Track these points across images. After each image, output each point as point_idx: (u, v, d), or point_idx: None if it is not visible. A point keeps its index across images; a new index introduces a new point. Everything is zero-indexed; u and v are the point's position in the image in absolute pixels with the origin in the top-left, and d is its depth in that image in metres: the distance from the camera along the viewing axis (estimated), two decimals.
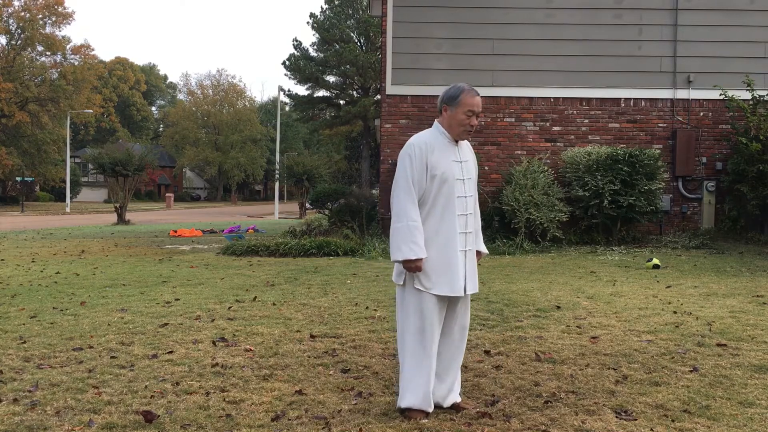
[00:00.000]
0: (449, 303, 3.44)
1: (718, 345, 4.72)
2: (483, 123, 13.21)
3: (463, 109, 3.38)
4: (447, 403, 3.46)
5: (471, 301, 6.32)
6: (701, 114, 13.24)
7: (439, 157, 3.39)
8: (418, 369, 3.33)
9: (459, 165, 3.44)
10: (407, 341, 3.37)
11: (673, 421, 3.28)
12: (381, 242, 11.39)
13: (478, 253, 3.59)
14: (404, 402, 3.34)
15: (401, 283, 3.42)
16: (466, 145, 3.58)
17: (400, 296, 3.46)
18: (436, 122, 3.51)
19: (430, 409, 3.35)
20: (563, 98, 13.22)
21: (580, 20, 13.17)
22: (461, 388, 3.61)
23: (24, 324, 5.47)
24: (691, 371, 4.09)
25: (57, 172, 47.93)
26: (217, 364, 4.26)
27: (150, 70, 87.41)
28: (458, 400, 3.50)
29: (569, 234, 12.12)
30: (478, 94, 3.44)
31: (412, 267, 3.30)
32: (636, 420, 3.29)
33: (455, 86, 3.46)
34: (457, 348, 3.49)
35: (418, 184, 3.34)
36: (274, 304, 6.39)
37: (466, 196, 3.43)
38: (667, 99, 13.20)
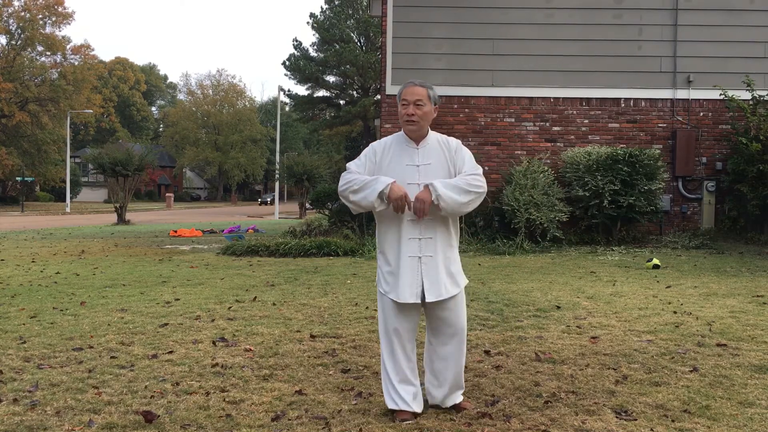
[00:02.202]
0: (428, 307, 3.39)
1: (718, 345, 4.71)
2: (483, 123, 13.22)
3: (401, 102, 3.38)
4: (447, 404, 3.46)
5: (471, 301, 6.34)
6: (701, 114, 13.24)
7: (392, 160, 3.38)
8: (385, 371, 3.38)
9: (415, 169, 3.35)
10: (381, 343, 3.44)
11: (673, 421, 3.27)
12: None
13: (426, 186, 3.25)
14: (387, 403, 3.38)
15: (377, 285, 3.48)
16: (434, 146, 3.39)
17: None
18: None
19: (409, 410, 3.32)
20: (563, 98, 13.22)
21: (579, 20, 13.18)
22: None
23: (24, 324, 5.47)
24: (691, 371, 4.09)
25: (57, 172, 47.97)
26: (217, 364, 4.26)
27: (150, 70, 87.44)
28: (458, 400, 3.49)
29: (569, 234, 12.12)
30: (417, 84, 3.34)
31: (397, 197, 3.22)
32: (636, 420, 3.29)
33: None
34: (451, 351, 3.42)
35: (366, 173, 3.37)
36: (274, 304, 6.39)
37: None
38: (667, 99, 13.20)
